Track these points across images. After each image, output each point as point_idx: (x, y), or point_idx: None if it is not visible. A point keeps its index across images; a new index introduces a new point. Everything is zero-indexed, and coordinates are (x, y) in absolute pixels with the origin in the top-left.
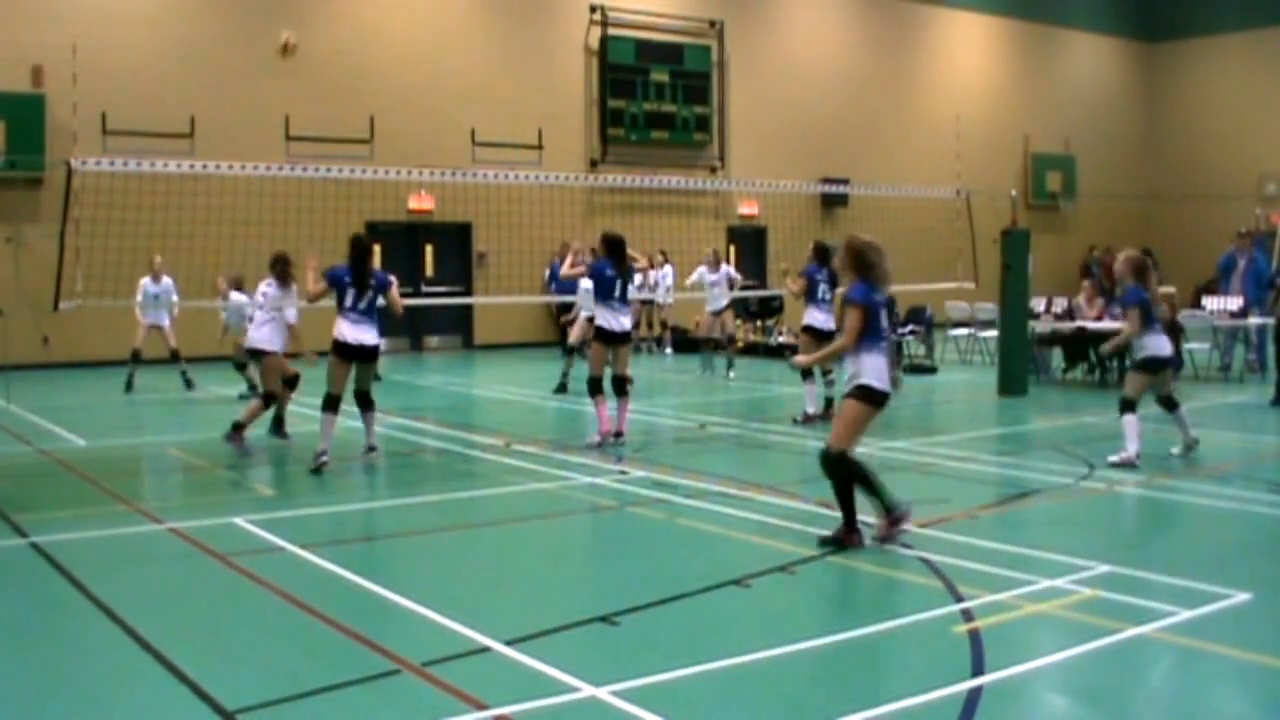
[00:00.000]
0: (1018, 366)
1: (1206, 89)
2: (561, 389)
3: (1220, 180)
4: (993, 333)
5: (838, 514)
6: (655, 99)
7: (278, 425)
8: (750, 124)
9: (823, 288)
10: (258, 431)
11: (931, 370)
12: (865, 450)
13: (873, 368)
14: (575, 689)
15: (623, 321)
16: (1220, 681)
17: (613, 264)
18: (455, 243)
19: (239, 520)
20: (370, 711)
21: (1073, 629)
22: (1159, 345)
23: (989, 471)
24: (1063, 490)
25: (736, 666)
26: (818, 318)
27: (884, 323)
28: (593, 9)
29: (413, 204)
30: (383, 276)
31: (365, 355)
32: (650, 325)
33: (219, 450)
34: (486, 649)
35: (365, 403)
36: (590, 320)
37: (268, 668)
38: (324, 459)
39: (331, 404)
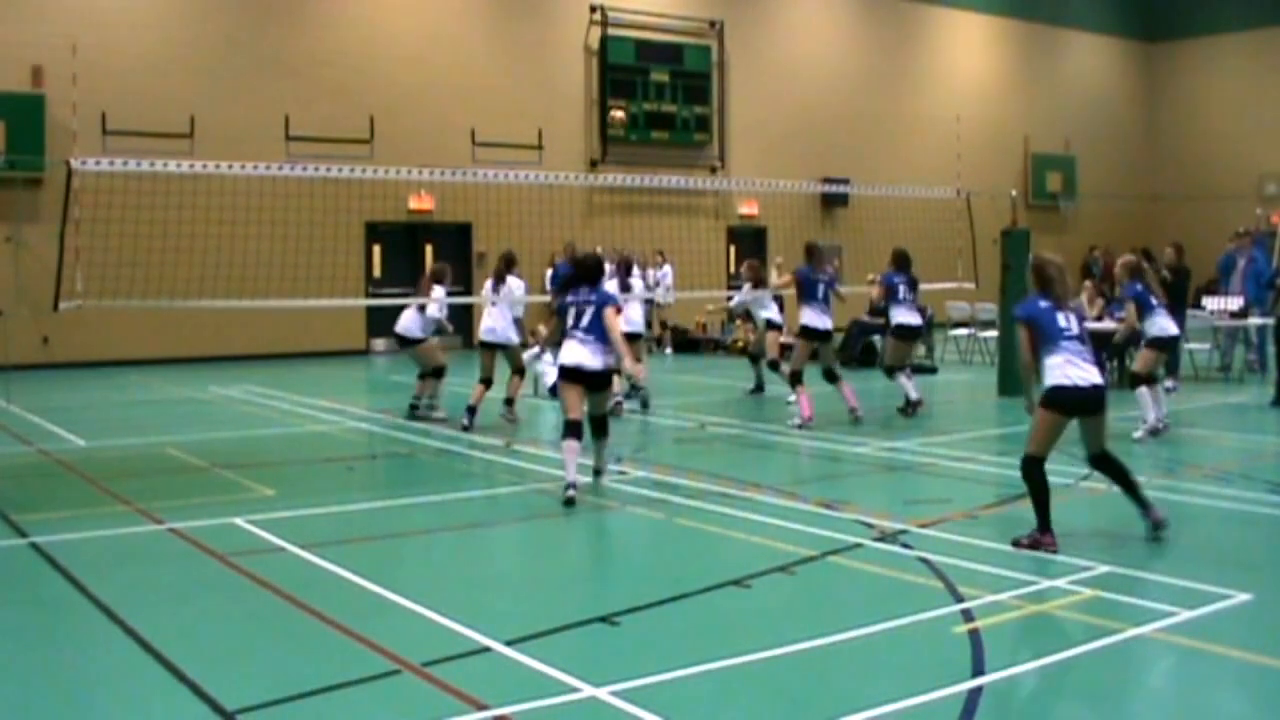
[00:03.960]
0: (1018, 366)
1: (1206, 89)
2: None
3: (1220, 180)
4: (993, 333)
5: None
6: (655, 99)
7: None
8: (750, 124)
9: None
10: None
11: (932, 370)
12: (867, 450)
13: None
14: (575, 689)
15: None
16: (1220, 681)
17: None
18: (455, 243)
19: (239, 520)
20: (370, 711)
21: (1073, 629)
22: (1163, 326)
23: (989, 471)
24: (1063, 490)
25: (736, 666)
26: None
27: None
28: (593, 9)
29: (413, 204)
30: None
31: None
32: (650, 325)
33: (219, 450)
34: (486, 649)
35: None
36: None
37: (268, 668)
38: (570, 492)
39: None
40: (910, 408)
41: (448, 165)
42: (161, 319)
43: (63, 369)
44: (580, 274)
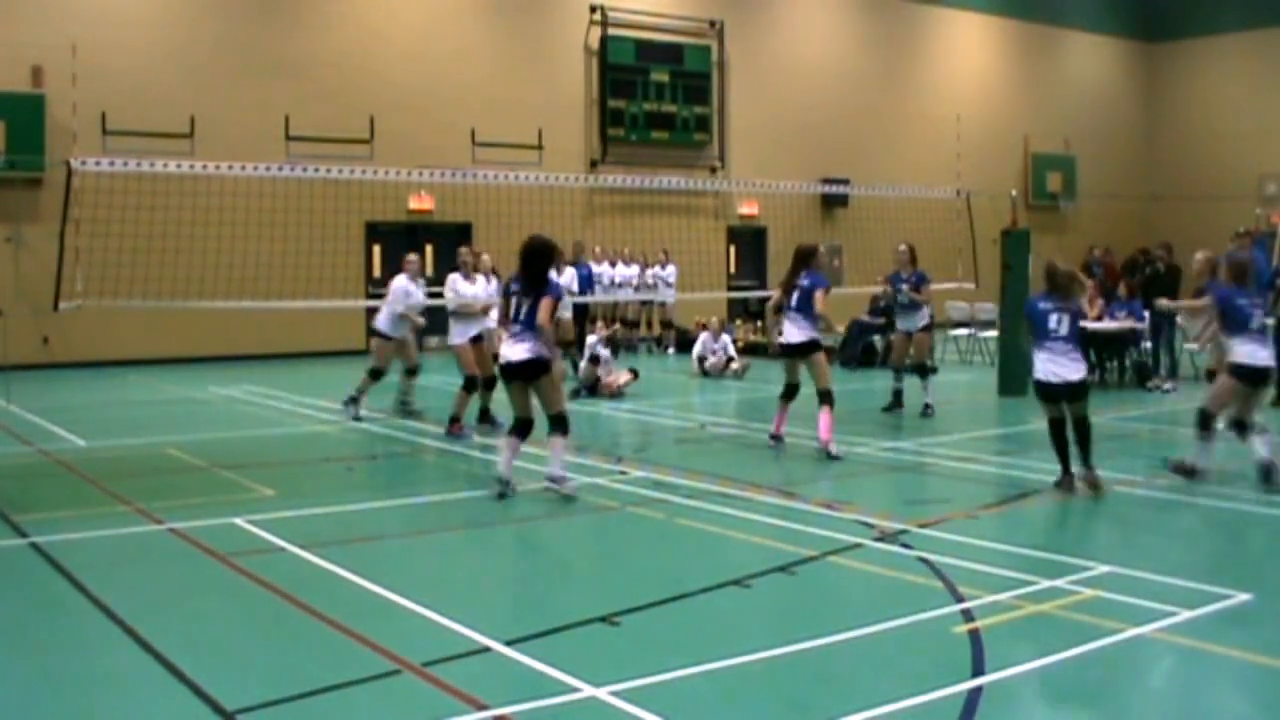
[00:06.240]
0: (1018, 366)
1: (1206, 89)
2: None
3: (1220, 180)
4: (993, 333)
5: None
6: (655, 99)
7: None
8: (750, 124)
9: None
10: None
11: (932, 370)
12: (867, 450)
13: None
14: (575, 689)
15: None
16: (1220, 681)
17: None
18: (455, 243)
19: (239, 520)
20: (370, 711)
21: (1073, 629)
22: (1251, 353)
23: (989, 471)
24: (1063, 490)
25: (736, 666)
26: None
27: None
28: (593, 9)
29: (413, 204)
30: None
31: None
32: (650, 325)
33: (219, 450)
34: (486, 649)
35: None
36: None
37: (268, 668)
38: (500, 488)
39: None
40: (929, 410)
41: (448, 165)
42: (161, 319)
43: (63, 369)
44: (526, 261)
